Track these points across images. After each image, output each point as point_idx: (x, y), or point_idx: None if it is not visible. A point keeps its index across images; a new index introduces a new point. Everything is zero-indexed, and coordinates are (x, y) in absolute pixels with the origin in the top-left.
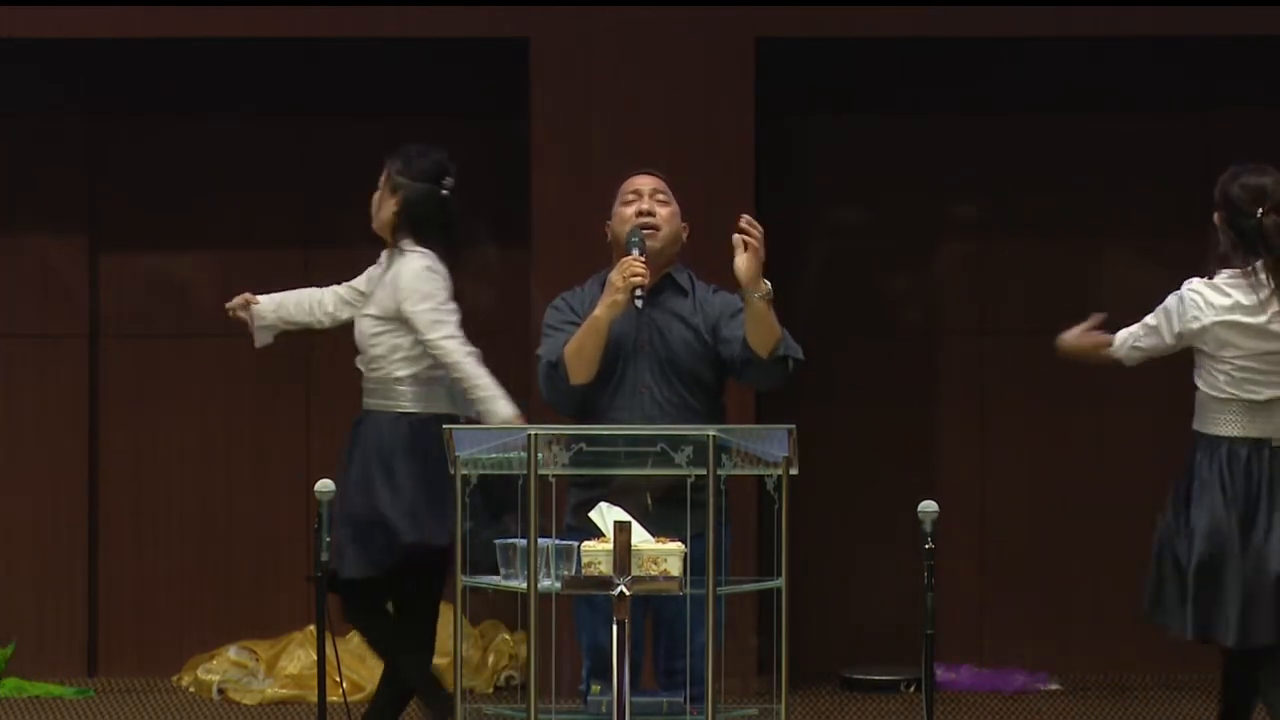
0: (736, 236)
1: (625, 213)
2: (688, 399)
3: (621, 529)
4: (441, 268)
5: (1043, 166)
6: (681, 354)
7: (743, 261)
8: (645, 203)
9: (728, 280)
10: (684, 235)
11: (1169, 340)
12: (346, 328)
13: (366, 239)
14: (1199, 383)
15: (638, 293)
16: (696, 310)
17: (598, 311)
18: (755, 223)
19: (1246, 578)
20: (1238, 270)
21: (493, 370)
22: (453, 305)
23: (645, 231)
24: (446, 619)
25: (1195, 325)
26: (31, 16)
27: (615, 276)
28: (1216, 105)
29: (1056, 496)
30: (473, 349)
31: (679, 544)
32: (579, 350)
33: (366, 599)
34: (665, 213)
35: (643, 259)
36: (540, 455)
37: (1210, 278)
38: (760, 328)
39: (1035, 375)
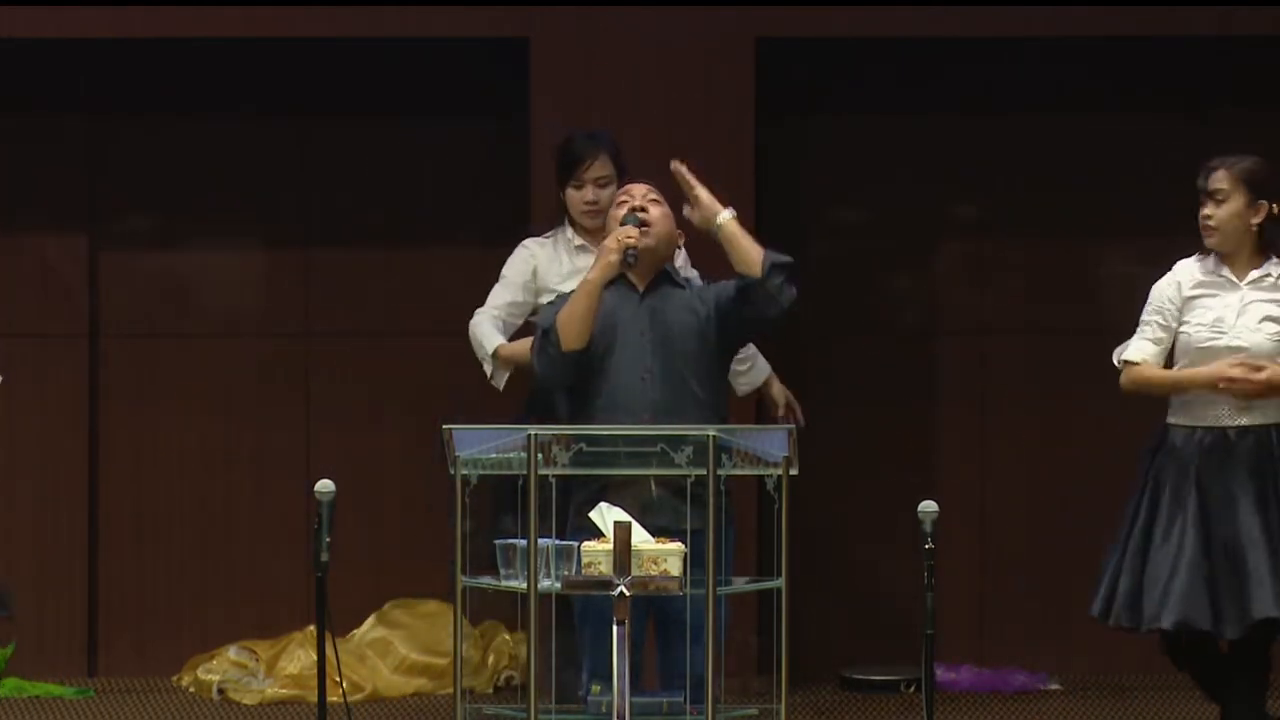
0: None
1: (618, 214)
2: (689, 385)
3: (621, 529)
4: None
5: (1043, 166)
6: (682, 339)
7: (695, 206)
8: (638, 202)
9: (722, 277)
10: (680, 241)
11: None
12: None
13: (367, 238)
14: None
15: (630, 254)
16: (694, 295)
17: (590, 274)
18: (681, 167)
19: None
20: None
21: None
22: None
23: (641, 228)
24: (446, 619)
25: None
26: (31, 16)
27: (609, 240)
28: (1216, 105)
29: (1056, 496)
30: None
31: (679, 544)
32: (571, 313)
33: None
34: (657, 212)
35: (638, 228)
36: (539, 455)
37: None
38: (740, 248)
39: (1035, 375)
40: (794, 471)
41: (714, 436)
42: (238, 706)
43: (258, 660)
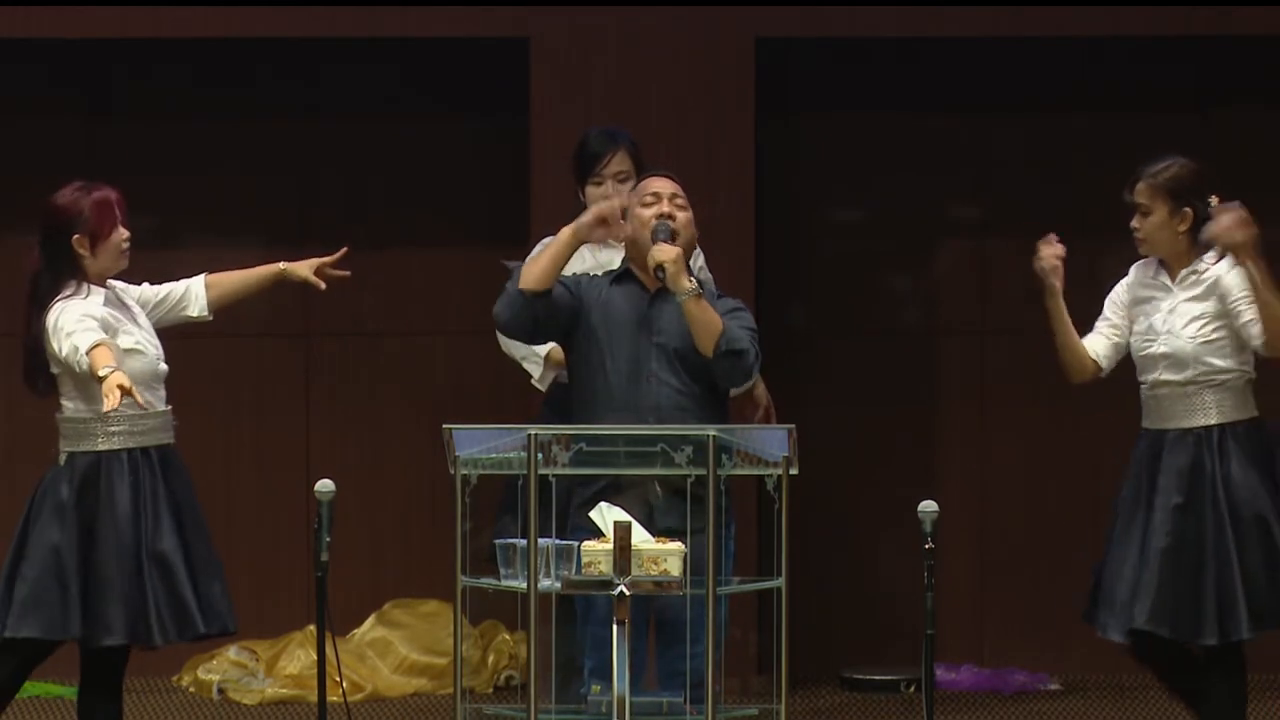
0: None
1: (645, 214)
2: (694, 388)
3: (621, 529)
4: None
5: (1043, 166)
6: (689, 345)
7: (667, 272)
8: (665, 206)
9: (721, 277)
10: (695, 237)
11: None
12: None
13: (366, 239)
14: (1246, 366)
15: (660, 273)
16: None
17: (565, 230)
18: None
19: None
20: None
21: (492, 370)
22: None
23: (671, 239)
24: (446, 619)
25: None
26: (31, 16)
27: (656, 252)
28: (1216, 105)
29: (1056, 496)
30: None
31: (679, 544)
32: (537, 257)
33: None
34: (684, 218)
35: (670, 242)
36: (540, 455)
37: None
38: (696, 328)
39: (1035, 375)
40: (794, 471)
41: (714, 436)
42: (238, 706)
43: (258, 660)
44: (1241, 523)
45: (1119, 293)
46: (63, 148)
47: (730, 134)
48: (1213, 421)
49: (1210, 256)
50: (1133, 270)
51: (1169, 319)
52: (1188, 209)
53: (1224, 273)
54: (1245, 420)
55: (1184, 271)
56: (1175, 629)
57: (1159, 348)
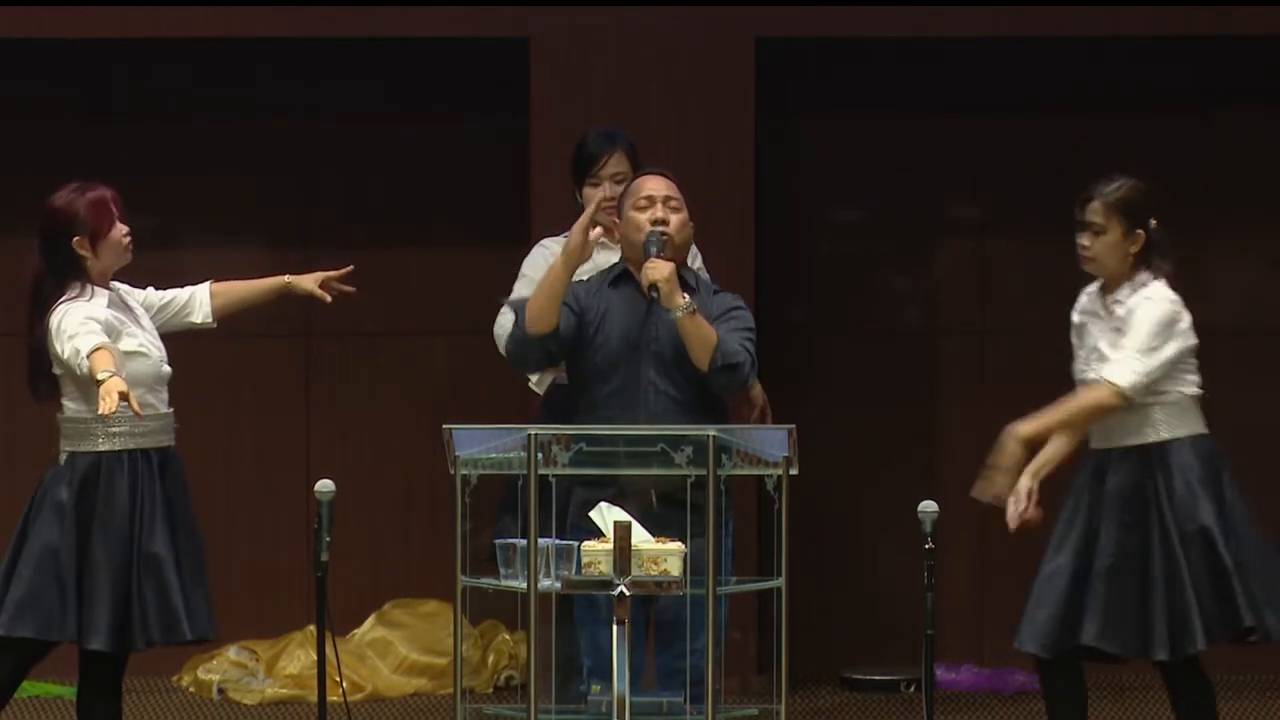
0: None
1: (639, 218)
2: (691, 395)
3: (621, 529)
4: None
5: (1043, 166)
6: (686, 353)
7: (660, 289)
8: (659, 210)
9: (721, 277)
10: (691, 234)
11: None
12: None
13: (366, 239)
14: (1181, 388)
15: (654, 292)
16: (700, 304)
17: (555, 265)
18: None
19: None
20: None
21: (492, 370)
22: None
23: (663, 238)
24: (446, 619)
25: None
26: (31, 16)
27: (648, 269)
28: (1216, 105)
29: (1056, 496)
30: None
31: (679, 544)
32: (536, 299)
33: None
34: (677, 220)
35: (661, 257)
36: (540, 455)
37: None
38: (690, 342)
39: (1035, 375)
40: (794, 471)
41: (714, 436)
42: (238, 706)
43: (258, 660)
44: (1186, 536)
45: (1073, 335)
46: (63, 148)
47: (730, 134)
48: (1158, 438)
49: (1144, 277)
50: (1079, 299)
51: (1103, 345)
52: (1140, 230)
53: (1135, 307)
54: (1191, 436)
55: (1109, 300)
56: (1124, 646)
57: (1093, 373)
